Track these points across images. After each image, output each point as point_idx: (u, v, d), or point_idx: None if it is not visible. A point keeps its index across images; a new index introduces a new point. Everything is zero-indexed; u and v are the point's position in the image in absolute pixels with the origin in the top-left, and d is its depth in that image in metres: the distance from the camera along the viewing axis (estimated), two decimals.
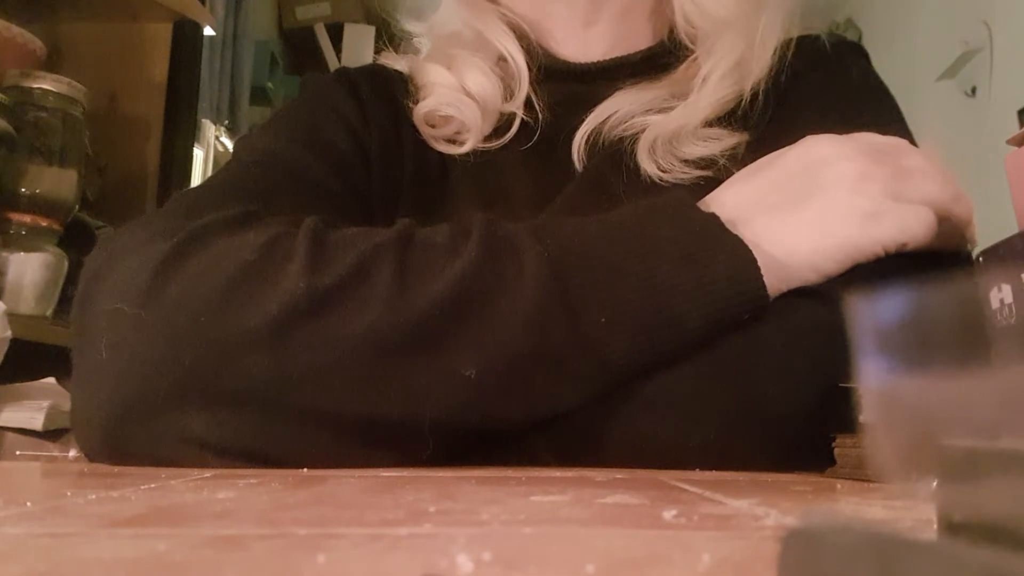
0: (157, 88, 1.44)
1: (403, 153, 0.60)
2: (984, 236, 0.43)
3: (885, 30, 2.94)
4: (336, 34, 2.95)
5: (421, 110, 0.61)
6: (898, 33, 2.81)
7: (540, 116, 0.61)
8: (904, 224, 0.44)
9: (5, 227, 1.11)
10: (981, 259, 0.39)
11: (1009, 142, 0.40)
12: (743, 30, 0.58)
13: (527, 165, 0.60)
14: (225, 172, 0.54)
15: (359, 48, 2.86)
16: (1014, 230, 0.37)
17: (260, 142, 0.55)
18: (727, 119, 0.57)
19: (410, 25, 0.68)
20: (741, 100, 0.57)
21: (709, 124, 0.57)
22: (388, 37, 0.70)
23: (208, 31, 1.60)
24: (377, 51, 0.70)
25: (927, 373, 0.13)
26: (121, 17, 1.42)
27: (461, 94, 0.60)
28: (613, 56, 0.63)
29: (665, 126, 0.56)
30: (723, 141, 0.56)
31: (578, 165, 0.58)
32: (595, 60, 0.63)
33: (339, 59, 2.88)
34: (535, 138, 0.60)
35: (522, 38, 0.63)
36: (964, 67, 2.41)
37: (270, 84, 2.66)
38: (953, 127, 2.40)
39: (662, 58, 0.62)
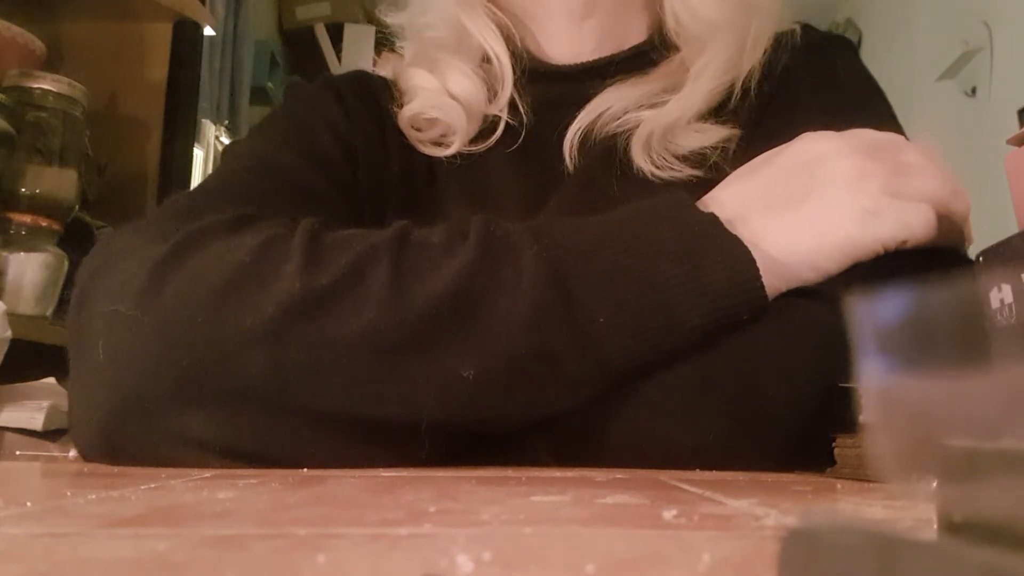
0: (157, 88, 1.43)
1: (389, 157, 0.60)
2: (984, 236, 0.43)
3: (885, 30, 2.94)
4: (336, 34, 2.95)
5: (406, 114, 0.61)
6: (898, 33, 2.81)
7: (525, 118, 0.61)
8: (904, 221, 0.44)
9: (5, 227, 1.11)
10: (981, 259, 0.39)
11: (1009, 142, 0.40)
12: (734, 31, 0.58)
13: (514, 166, 0.60)
14: (217, 177, 0.54)
15: (359, 48, 2.86)
16: (1014, 230, 0.37)
17: (249, 148, 0.56)
18: (717, 113, 0.57)
19: (390, 17, 0.68)
20: (731, 95, 0.58)
21: (700, 119, 0.57)
22: (385, 38, 0.70)
23: (208, 31, 1.60)
24: (377, 51, 0.70)
25: (927, 373, 0.13)
26: (121, 17, 1.42)
27: (445, 97, 0.61)
28: (600, 55, 0.63)
29: (660, 120, 0.56)
30: (716, 133, 0.56)
31: (569, 164, 0.58)
32: (582, 60, 0.63)
33: (339, 59, 2.88)
34: (521, 139, 0.61)
35: (508, 39, 0.63)
36: (964, 67, 2.41)
37: (270, 84, 2.66)
38: (953, 127, 2.40)
39: (649, 55, 0.62)
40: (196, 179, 1.71)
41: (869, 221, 0.44)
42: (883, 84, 0.62)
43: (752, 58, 0.58)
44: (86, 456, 0.43)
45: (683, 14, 0.60)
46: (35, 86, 1.14)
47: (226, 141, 2.19)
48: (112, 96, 1.41)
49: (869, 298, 0.13)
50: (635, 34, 0.65)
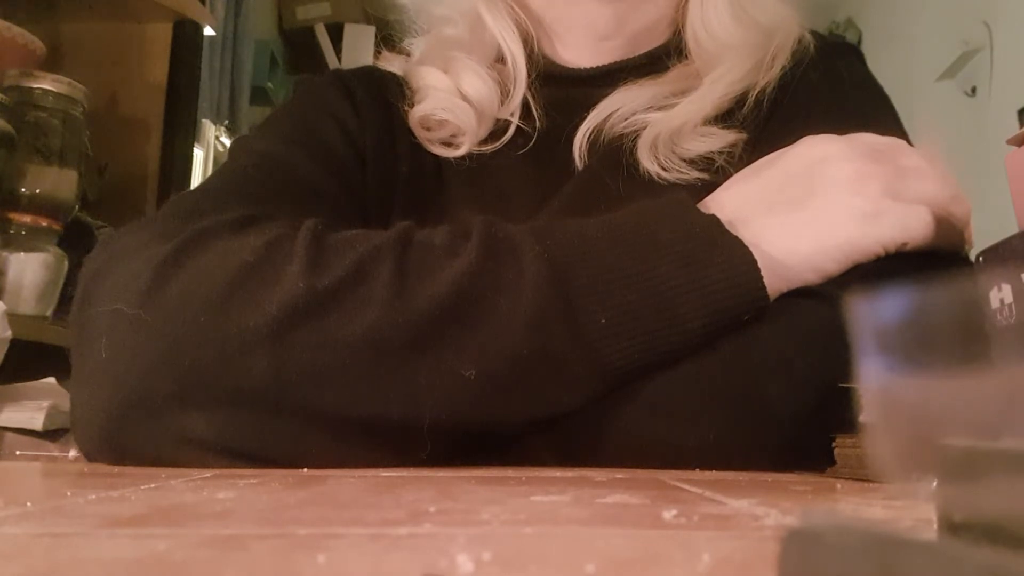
0: (157, 88, 1.43)
1: (398, 155, 0.60)
2: (984, 236, 0.43)
3: (885, 30, 2.94)
4: (336, 34, 2.95)
5: (416, 114, 0.61)
6: (898, 33, 2.81)
7: (537, 120, 0.61)
8: (904, 223, 0.44)
9: (5, 227, 1.11)
10: (981, 259, 0.39)
11: (1009, 142, 0.40)
12: (751, 54, 0.58)
13: (524, 167, 0.60)
14: (222, 175, 0.54)
15: (359, 48, 2.86)
16: (1014, 230, 0.37)
17: (257, 144, 0.55)
18: (725, 118, 0.57)
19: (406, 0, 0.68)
20: (742, 103, 0.58)
21: (708, 123, 0.57)
22: (386, 38, 0.70)
23: (208, 31, 1.60)
24: (377, 51, 0.70)
25: (927, 373, 0.13)
26: (121, 17, 1.42)
27: (457, 98, 0.60)
28: (616, 60, 0.63)
29: (668, 123, 0.56)
30: (723, 138, 0.56)
31: (579, 163, 0.58)
32: (597, 65, 0.63)
33: (339, 59, 2.88)
34: (533, 141, 0.60)
35: (524, 40, 0.63)
36: (964, 67, 2.41)
37: (270, 84, 2.66)
38: (953, 127, 2.40)
39: (664, 60, 0.62)
40: (196, 179, 1.71)
41: (869, 223, 0.44)
42: (883, 84, 0.62)
43: (769, 74, 0.58)
44: (88, 455, 0.43)
45: (702, 35, 0.60)
46: (35, 86, 1.14)
47: (226, 141, 2.19)
48: (112, 96, 1.41)
49: (869, 299, 0.13)
50: (654, 42, 0.65)
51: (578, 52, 0.64)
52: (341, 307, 0.39)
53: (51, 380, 0.89)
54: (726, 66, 0.58)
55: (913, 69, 2.61)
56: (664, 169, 0.55)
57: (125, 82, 1.42)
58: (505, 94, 0.62)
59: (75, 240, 1.16)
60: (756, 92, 0.57)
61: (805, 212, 0.44)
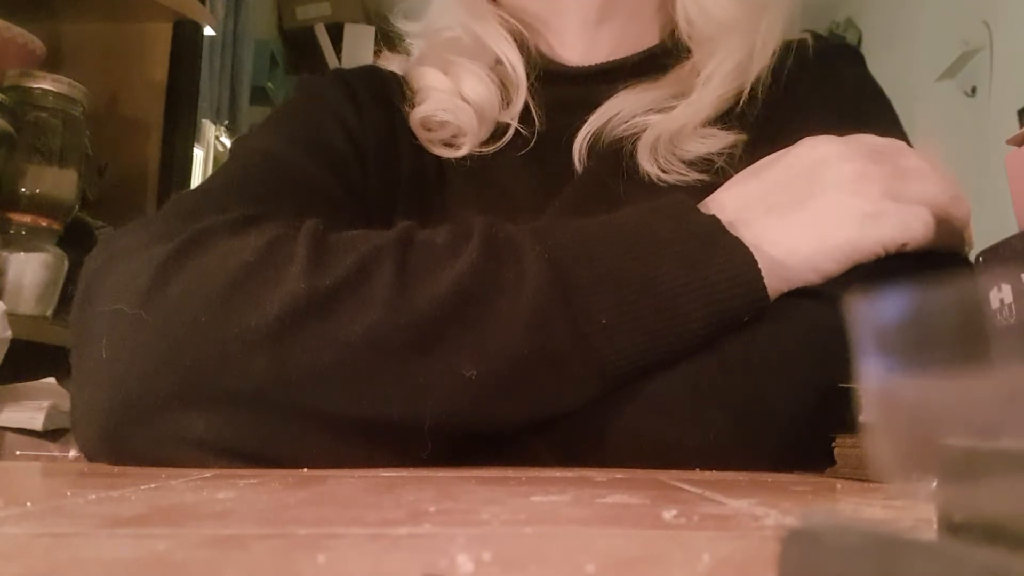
0: (157, 88, 1.43)
1: (399, 155, 0.60)
2: (984, 236, 0.43)
3: (885, 30, 2.94)
4: (336, 34, 2.95)
5: (417, 115, 0.61)
6: (898, 33, 2.81)
7: (537, 121, 0.61)
8: (904, 224, 0.44)
9: (5, 227, 1.11)
10: (981, 259, 0.39)
11: (1009, 142, 0.40)
12: (745, 32, 0.58)
13: (525, 168, 0.60)
14: (224, 174, 0.53)
15: (359, 48, 2.86)
16: (1014, 230, 0.37)
17: (258, 143, 0.55)
18: (725, 119, 0.57)
19: (405, 25, 0.68)
20: (739, 99, 0.58)
21: (708, 124, 0.57)
22: (386, 37, 0.70)
23: (208, 31, 1.60)
24: (377, 51, 0.70)
25: (927, 373, 0.13)
26: (121, 17, 1.42)
27: (458, 100, 0.60)
28: (613, 59, 0.63)
29: (667, 125, 0.56)
30: (722, 139, 0.56)
31: (578, 166, 0.58)
32: (595, 63, 0.63)
33: (339, 59, 2.89)
34: (533, 141, 0.60)
35: (521, 45, 0.63)
36: (964, 67, 2.41)
37: (270, 84, 2.66)
38: (953, 127, 2.40)
39: (661, 59, 0.62)
40: (196, 179, 1.71)
41: (869, 224, 0.44)
42: (883, 84, 0.62)
43: (761, 61, 0.58)
44: (88, 455, 0.43)
45: (695, 14, 0.60)
46: (35, 86, 1.14)
47: (226, 141, 2.19)
48: (112, 96, 1.41)
49: (869, 299, 0.13)
50: (648, 37, 0.65)
51: (574, 46, 0.64)
52: (342, 307, 0.39)
53: (51, 380, 0.89)
54: (720, 56, 0.58)
55: (913, 69, 2.61)
56: (664, 171, 0.55)
57: (125, 82, 1.42)
58: (506, 96, 0.62)
59: (75, 240, 1.16)
60: (751, 84, 0.57)
61: (805, 213, 0.44)
